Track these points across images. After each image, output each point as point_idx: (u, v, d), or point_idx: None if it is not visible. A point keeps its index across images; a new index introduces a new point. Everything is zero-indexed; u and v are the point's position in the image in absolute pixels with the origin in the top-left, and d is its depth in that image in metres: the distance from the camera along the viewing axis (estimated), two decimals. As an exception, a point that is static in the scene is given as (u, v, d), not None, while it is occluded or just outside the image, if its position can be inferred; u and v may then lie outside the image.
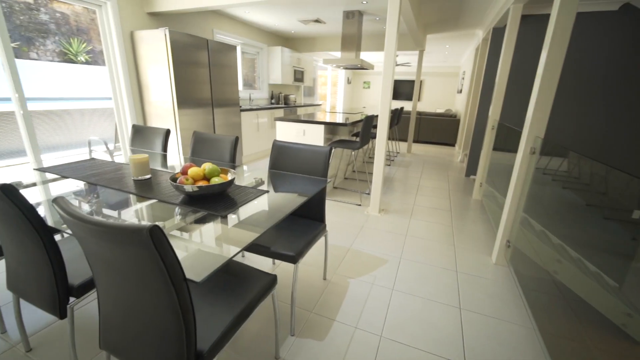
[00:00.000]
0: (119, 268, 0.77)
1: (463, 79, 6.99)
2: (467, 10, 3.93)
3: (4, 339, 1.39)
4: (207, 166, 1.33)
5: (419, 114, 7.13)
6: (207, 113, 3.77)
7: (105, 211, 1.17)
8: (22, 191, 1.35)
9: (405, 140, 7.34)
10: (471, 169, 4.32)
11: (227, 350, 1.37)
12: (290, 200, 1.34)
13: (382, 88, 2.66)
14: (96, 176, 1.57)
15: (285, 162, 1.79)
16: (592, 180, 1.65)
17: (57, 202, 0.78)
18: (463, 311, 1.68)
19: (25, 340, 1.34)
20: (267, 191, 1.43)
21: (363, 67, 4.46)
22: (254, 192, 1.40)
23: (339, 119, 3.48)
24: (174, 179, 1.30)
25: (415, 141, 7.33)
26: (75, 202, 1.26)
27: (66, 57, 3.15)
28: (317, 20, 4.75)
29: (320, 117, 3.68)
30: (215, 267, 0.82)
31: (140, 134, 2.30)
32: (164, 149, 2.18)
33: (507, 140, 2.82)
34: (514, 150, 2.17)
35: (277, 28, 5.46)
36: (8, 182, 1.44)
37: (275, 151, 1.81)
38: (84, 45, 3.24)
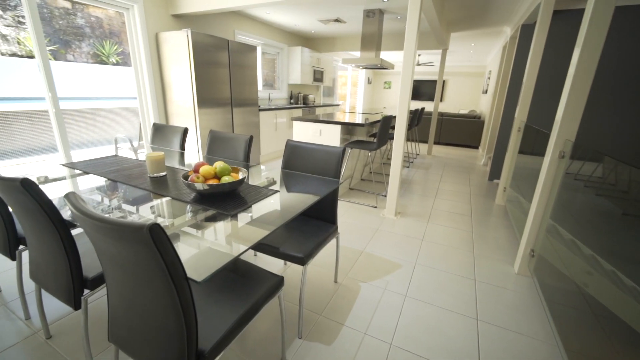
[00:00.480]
0: (122, 264, 0.78)
1: (489, 78, 6.71)
2: (494, 7, 3.76)
3: (27, 326, 1.47)
4: (218, 165, 1.34)
5: (441, 114, 6.92)
6: (226, 112, 3.83)
7: (124, 206, 1.21)
8: (48, 185, 1.42)
9: (425, 141, 7.15)
10: (495, 172, 4.13)
11: (234, 349, 1.37)
12: (301, 201, 1.32)
13: (401, 88, 2.59)
14: (115, 172, 1.62)
15: (298, 162, 1.78)
16: (630, 188, 1.52)
17: (68, 197, 0.80)
18: (480, 322, 1.59)
19: (45, 328, 1.41)
20: (278, 191, 1.42)
21: (383, 66, 4.38)
22: (264, 191, 1.39)
23: (358, 119, 3.43)
24: (186, 176, 1.31)
25: (436, 143, 7.12)
26: (98, 197, 1.30)
27: (99, 59, 3.31)
28: (337, 20, 4.72)
29: (337, 117, 3.65)
30: (218, 266, 0.82)
31: (160, 132, 2.36)
32: (182, 147, 2.23)
33: (535, 143, 2.66)
34: (542, 153, 2.04)
35: (297, 28, 5.48)
36: (32, 176, 1.51)
37: (288, 151, 1.80)
38: (115, 47, 3.39)
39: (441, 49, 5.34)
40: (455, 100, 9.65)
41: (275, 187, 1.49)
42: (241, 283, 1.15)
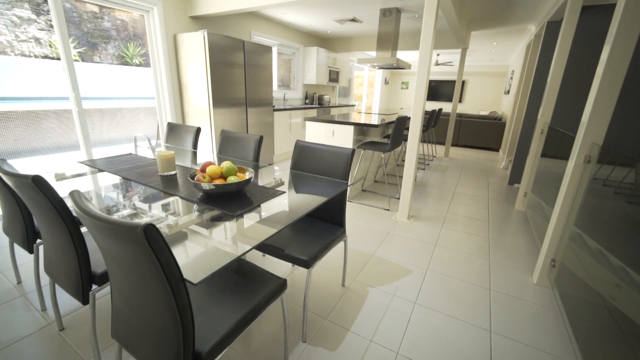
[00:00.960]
0: (121, 263, 0.78)
1: (511, 78, 6.46)
2: (518, 3, 3.60)
3: (43, 317, 1.52)
4: (225, 165, 1.34)
5: (460, 115, 6.72)
6: (241, 112, 3.87)
7: (132, 204, 1.22)
8: (65, 182, 1.47)
9: (443, 143, 6.97)
10: (515, 176, 3.96)
11: (237, 350, 1.36)
12: (308, 203, 1.30)
13: (416, 88, 2.52)
14: (128, 170, 1.66)
15: (307, 162, 1.76)
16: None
17: (72, 195, 0.81)
18: (494, 335, 1.52)
19: (59, 320, 1.45)
20: (284, 192, 1.40)
21: (399, 66, 4.29)
22: (271, 192, 1.38)
23: (373, 120, 3.38)
24: (192, 176, 1.32)
25: (455, 145, 6.93)
26: (109, 195, 1.33)
27: (123, 60, 3.43)
28: (353, 20, 4.67)
29: (352, 117, 3.61)
30: (217, 267, 0.81)
31: (174, 131, 2.41)
32: (195, 146, 2.26)
33: (559, 146, 2.52)
34: (567, 157, 1.92)
35: (313, 28, 5.48)
36: (50, 173, 1.57)
37: (297, 151, 1.78)
38: (138, 49, 3.50)
39: (461, 48, 5.18)
40: (476, 101, 9.36)
41: (283, 187, 1.47)
42: (244, 284, 1.14)
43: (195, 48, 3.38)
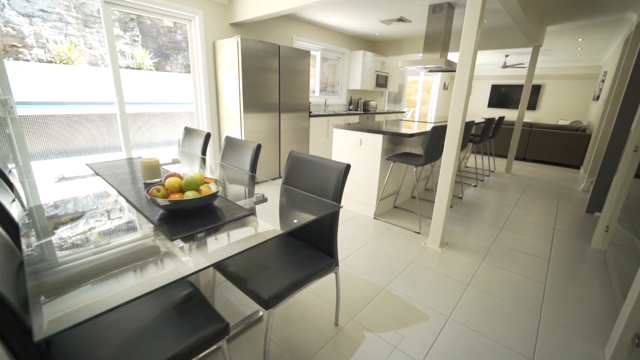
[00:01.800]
0: None
1: (603, 81, 5.30)
2: (608, -14, 2.86)
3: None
4: (187, 177, 1.19)
5: (530, 125, 5.75)
6: (273, 118, 3.81)
7: (91, 216, 1.15)
8: (63, 184, 1.48)
9: (505, 156, 6.04)
10: (597, 202, 3.13)
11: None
12: (281, 226, 1.07)
13: (454, 92, 2.10)
14: (115, 176, 1.62)
15: (298, 177, 1.52)
16: None
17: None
18: None
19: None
20: (252, 214, 1.19)
21: (449, 68, 3.78)
22: (235, 213, 1.18)
23: (428, 128, 2.98)
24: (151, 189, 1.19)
25: (521, 159, 5.94)
26: (84, 203, 1.29)
27: (189, 69, 3.65)
28: (400, 19, 4.29)
29: (386, 126, 3.25)
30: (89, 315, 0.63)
31: (189, 135, 2.39)
32: (203, 152, 2.20)
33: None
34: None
35: (359, 31, 5.22)
36: (54, 175, 1.60)
37: (289, 163, 1.56)
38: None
39: (532, 47, 4.40)
40: (555, 109, 7.99)
41: (264, 205, 1.27)
42: (177, 322, 0.96)
43: (229, 54, 3.41)
